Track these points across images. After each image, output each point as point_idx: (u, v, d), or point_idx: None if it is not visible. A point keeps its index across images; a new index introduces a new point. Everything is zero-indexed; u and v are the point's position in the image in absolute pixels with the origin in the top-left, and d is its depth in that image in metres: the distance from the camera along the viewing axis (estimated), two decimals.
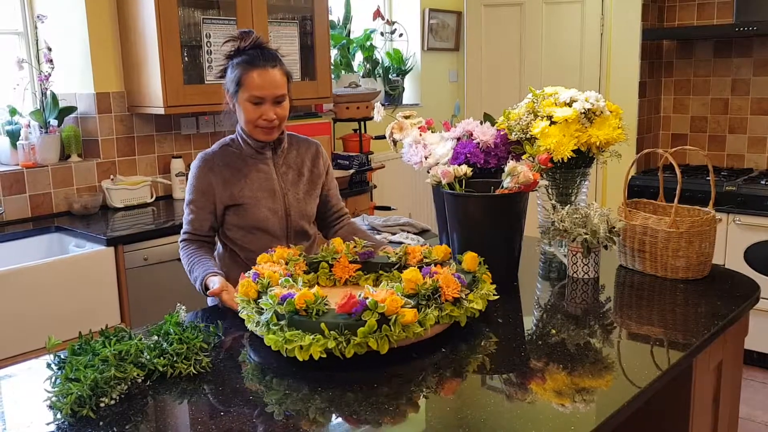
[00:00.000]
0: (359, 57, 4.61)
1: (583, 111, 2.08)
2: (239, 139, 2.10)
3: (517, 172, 1.91)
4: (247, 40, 2.00)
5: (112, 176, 3.36)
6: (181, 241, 2.08)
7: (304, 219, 2.15)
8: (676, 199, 2.01)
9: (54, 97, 3.22)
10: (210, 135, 3.70)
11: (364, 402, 1.33)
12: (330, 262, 1.88)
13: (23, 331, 2.55)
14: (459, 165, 2.04)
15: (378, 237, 2.66)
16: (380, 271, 1.88)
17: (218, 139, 2.16)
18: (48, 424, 1.28)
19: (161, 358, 1.44)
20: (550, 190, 2.23)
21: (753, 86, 4.17)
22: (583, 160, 2.14)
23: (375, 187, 4.18)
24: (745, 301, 1.84)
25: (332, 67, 4.07)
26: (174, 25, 3.16)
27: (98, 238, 2.80)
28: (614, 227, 1.97)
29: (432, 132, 2.24)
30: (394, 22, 4.68)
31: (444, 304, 1.56)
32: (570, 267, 2.04)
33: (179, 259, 2.07)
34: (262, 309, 1.54)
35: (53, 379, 1.35)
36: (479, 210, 1.98)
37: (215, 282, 1.86)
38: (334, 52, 4.33)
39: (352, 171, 3.86)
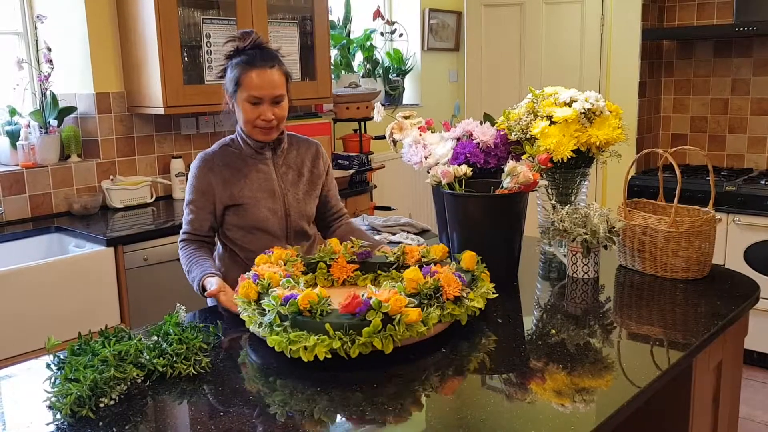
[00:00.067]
0: (359, 57, 4.61)
1: (582, 111, 2.08)
2: (239, 139, 2.10)
3: (516, 172, 1.91)
4: (246, 40, 2.00)
5: (111, 176, 3.36)
6: (180, 241, 2.08)
7: (303, 219, 2.15)
8: (675, 199, 2.01)
9: (54, 97, 3.22)
10: (210, 135, 3.70)
11: (364, 402, 1.33)
12: (328, 263, 1.88)
13: (23, 332, 2.55)
14: (459, 165, 2.04)
15: (378, 237, 2.66)
16: (378, 271, 1.88)
17: (218, 140, 2.16)
18: (47, 424, 1.28)
19: (161, 358, 1.44)
20: (549, 190, 2.23)
21: (753, 86, 4.17)
22: (582, 160, 2.14)
23: (375, 187, 4.18)
24: (744, 301, 1.84)
25: (332, 67, 4.07)
26: (174, 26, 3.16)
27: (98, 239, 2.80)
28: (614, 227, 1.97)
29: (432, 132, 2.24)
30: (394, 22, 4.68)
31: (445, 303, 1.56)
32: (570, 267, 2.04)
33: (179, 260, 2.07)
34: (264, 310, 1.54)
35: (53, 380, 1.35)
36: (479, 210, 1.98)
37: (213, 283, 1.86)
38: (334, 52, 4.33)
39: (352, 171, 3.86)
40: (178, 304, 1.62)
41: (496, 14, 4.73)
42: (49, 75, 3.19)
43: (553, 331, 1.68)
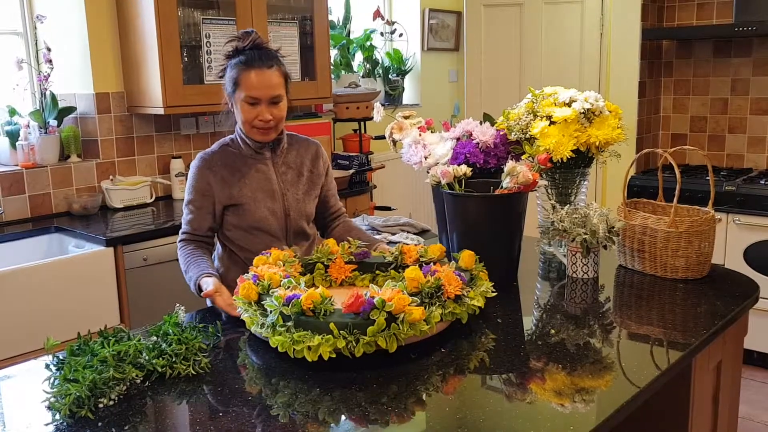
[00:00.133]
0: (359, 57, 4.61)
1: (582, 111, 2.08)
2: (238, 139, 2.10)
3: (516, 172, 1.91)
4: (246, 40, 2.01)
5: (111, 176, 3.36)
6: (179, 241, 2.08)
7: (303, 219, 2.15)
8: (675, 199, 2.01)
9: (53, 97, 3.22)
10: (210, 135, 3.70)
11: (365, 402, 1.33)
12: (326, 263, 1.88)
13: (22, 332, 2.55)
14: (458, 165, 2.04)
15: (378, 237, 2.66)
16: (377, 271, 1.88)
17: (218, 140, 2.16)
18: (47, 424, 1.28)
19: (160, 358, 1.44)
20: (549, 190, 2.23)
21: (752, 86, 4.17)
22: (582, 160, 2.14)
23: (375, 187, 4.18)
24: (744, 300, 1.84)
25: (332, 67, 4.07)
26: (173, 26, 3.16)
27: (98, 239, 2.80)
28: (613, 227, 1.97)
29: (431, 132, 2.24)
30: (394, 22, 4.68)
31: (446, 301, 1.57)
32: (569, 267, 2.04)
33: (178, 260, 2.06)
34: (266, 311, 1.54)
35: (52, 380, 1.35)
36: (479, 210, 1.98)
37: (209, 283, 1.85)
38: (334, 52, 4.33)
39: (352, 171, 3.86)
40: (178, 305, 1.62)
41: (495, 14, 4.73)
42: (49, 75, 3.19)
43: (553, 331, 1.68)
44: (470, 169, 2.03)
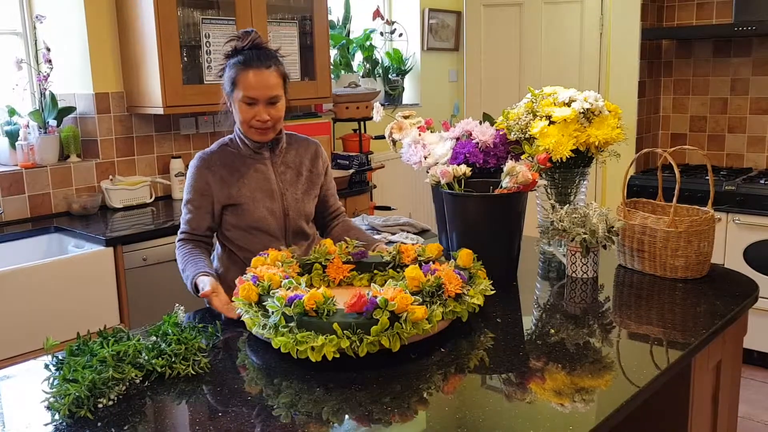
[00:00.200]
0: (359, 57, 4.61)
1: (581, 111, 2.08)
2: (237, 139, 2.10)
3: (516, 172, 1.91)
4: (245, 40, 2.01)
5: (111, 176, 3.36)
6: (177, 241, 2.08)
7: (302, 219, 2.15)
8: (674, 199, 2.00)
9: (53, 97, 3.21)
10: (209, 135, 3.70)
11: (366, 402, 1.33)
12: (323, 264, 1.88)
13: (22, 332, 2.55)
14: (458, 165, 2.04)
15: (378, 237, 2.66)
16: (375, 271, 1.88)
17: (218, 139, 2.16)
18: (46, 425, 1.28)
19: (159, 358, 1.44)
20: (549, 190, 2.23)
21: (752, 86, 4.17)
22: (582, 159, 2.14)
23: (375, 187, 4.18)
24: (744, 300, 1.84)
25: (332, 67, 4.07)
26: (173, 25, 3.16)
27: (97, 239, 2.80)
28: (613, 227, 1.97)
29: (431, 132, 2.24)
30: (393, 22, 4.68)
31: (447, 300, 1.57)
32: (569, 266, 2.04)
33: (176, 259, 2.06)
34: (267, 311, 1.53)
35: (51, 380, 1.35)
36: (478, 210, 1.98)
37: (205, 282, 1.85)
38: (333, 52, 4.33)
39: (351, 171, 3.86)
40: (177, 305, 1.62)
41: (495, 14, 4.73)
42: (48, 75, 3.19)
43: (553, 331, 1.68)
44: (470, 168, 2.03)
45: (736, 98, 4.23)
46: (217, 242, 2.18)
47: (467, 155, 2.12)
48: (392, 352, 1.45)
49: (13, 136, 3.17)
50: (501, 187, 1.94)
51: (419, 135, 2.19)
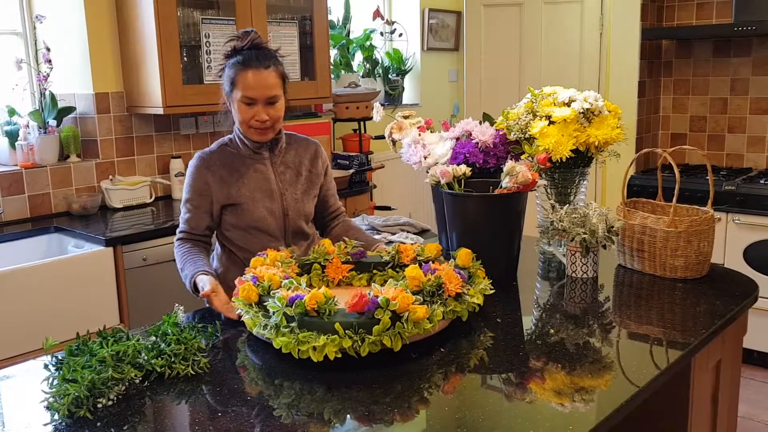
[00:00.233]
0: (359, 57, 4.61)
1: (581, 111, 2.07)
2: (236, 139, 2.10)
3: (515, 172, 1.91)
4: (245, 40, 2.01)
5: (111, 176, 3.36)
6: (176, 240, 2.09)
7: (302, 219, 2.14)
8: (674, 199, 2.00)
9: (53, 97, 3.21)
10: (209, 135, 3.70)
11: (367, 401, 1.33)
12: (322, 264, 1.88)
13: (21, 332, 2.54)
14: (458, 165, 2.04)
15: (378, 237, 2.66)
16: (374, 271, 1.88)
17: (217, 139, 2.16)
18: (45, 425, 1.28)
19: (159, 358, 1.44)
20: (549, 190, 2.23)
21: (752, 86, 4.17)
22: (581, 159, 2.14)
23: (375, 187, 4.18)
24: (743, 300, 1.84)
25: (332, 67, 4.07)
26: (173, 25, 3.16)
27: (97, 239, 2.80)
28: (613, 227, 1.97)
29: (431, 132, 2.24)
30: (393, 22, 4.68)
31: (447, 299, 1.57)
32: (569, 266, 2.04)
33: (175, 258, 2.06)
34: (268, 312, 1.53)
35: (50, 380, 1.35)
36: (478, 210, 1.98)
37: (205, 282, 1.85)
38: (333, 52, 4.33)
39: (351, 171, 3.86)
40: (177, 305, 1.62)
41: (495, 14, 4.73)
42: (48, 75, 3.19)
43: (552, 331, 1.68)
44: (470, 168, 2.03)
45: (736, 98, 4.23)
46: (217, 242, 2.18)
47: (467, 155, 2.12)
48: (392, 351, 1.45)
49: (13, 136, 3.17)
50: (501, 187, 1.94)
51: (419, 135, 2.19)
